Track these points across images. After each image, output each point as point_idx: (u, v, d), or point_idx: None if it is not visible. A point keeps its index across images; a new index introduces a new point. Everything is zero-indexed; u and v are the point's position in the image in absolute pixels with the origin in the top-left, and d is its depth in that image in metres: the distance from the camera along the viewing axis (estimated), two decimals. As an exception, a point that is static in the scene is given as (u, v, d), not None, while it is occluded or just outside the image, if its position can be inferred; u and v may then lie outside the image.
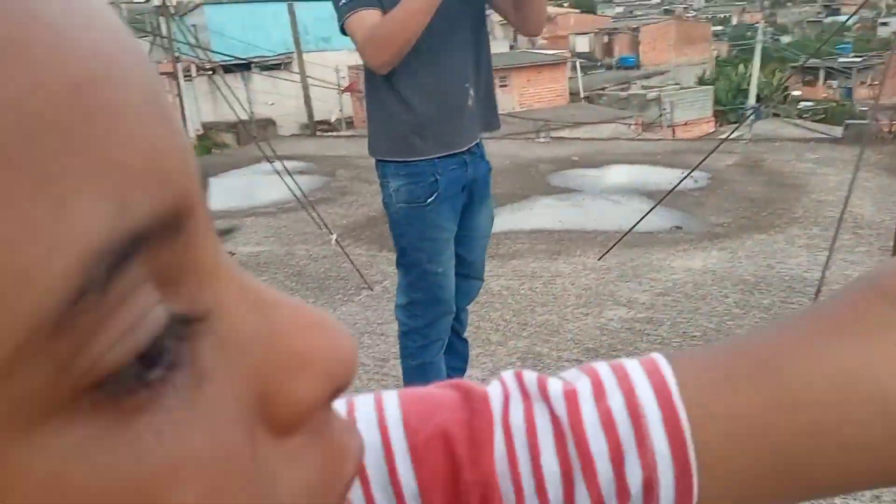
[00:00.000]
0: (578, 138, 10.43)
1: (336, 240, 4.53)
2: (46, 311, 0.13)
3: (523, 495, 0.30)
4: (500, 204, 6.17)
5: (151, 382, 0.15)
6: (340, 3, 1.82)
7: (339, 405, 0.31)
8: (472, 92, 2.02)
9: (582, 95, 28.72)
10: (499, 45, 32.26)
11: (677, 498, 0.30)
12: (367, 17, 1.78)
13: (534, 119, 12.29)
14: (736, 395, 0.30)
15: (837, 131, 9.23)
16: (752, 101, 22.99)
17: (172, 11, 27.90)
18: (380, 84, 1.95)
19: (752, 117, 21.31)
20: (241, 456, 0.17)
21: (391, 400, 0.32)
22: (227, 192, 7.08)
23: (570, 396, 0.31)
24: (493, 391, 0.33)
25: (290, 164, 8.59)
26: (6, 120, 0.13)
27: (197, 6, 27.83)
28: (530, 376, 0.33)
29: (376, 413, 0.31)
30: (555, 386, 0.32)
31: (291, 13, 15.19)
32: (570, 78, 30.09)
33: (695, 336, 3.24)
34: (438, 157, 1.98)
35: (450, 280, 2.14)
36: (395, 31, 1.76)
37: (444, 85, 1.95)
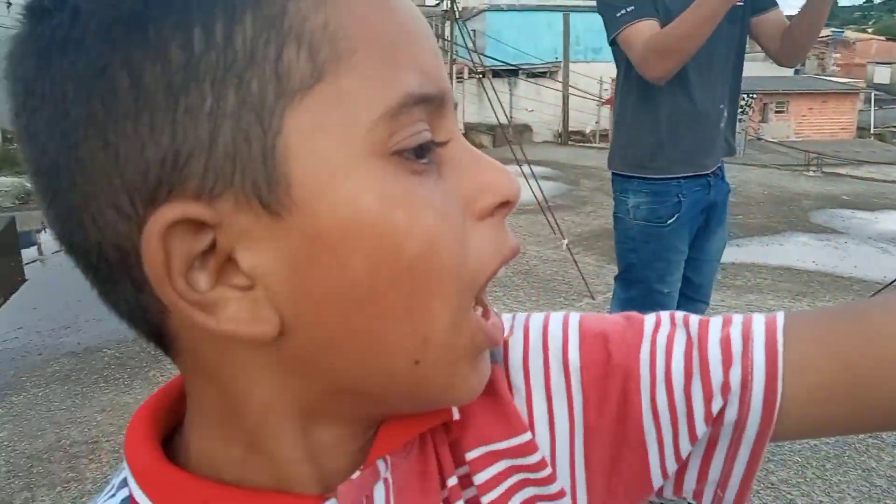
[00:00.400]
0: (855, 177, 9.40)
1: (567, 245, 4.62)
2: (397, 101, 0.29)
3: (655, 381, 0.40)
4: (748, 234, 5.83)
5: (421, 165, 0.31)
6: (619, 14, 1.81)
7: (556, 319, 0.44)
8: (725, 113, 1.99)
9: (872, 131, 25.65)
10: (782, 68, 29.95)
11: (766, 394, 0.38)
12: (647, 28, 1.78)
13: (807, 151, 11.29)
14: (825, 326, 0.40)
15: None
16: None
17: (457, 16, 29.68)
18: (634, 97, 1.96)
19: None
20: (455, 215, 0.32)
21: (575, 314, 0.44)
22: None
23: (703, 324, 0.41)
24: (649, 318, 0.43)
25: (537, 170, 8.85)
26: (389, 29, 0.30)
27: (480, 12, 29.39)
28: (681, 313, 0.43)
29: (563, 317, 0.44)
30: (695, 318, 0.42)
31: (565, 23, 15.44)
32: (860, 111, 27.06)
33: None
34: (684, 177, 1.96)
35: (673, 301, 2.09)
36: (681, 41, 1.73)
37: (702, 104, 1.92)
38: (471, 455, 0.39)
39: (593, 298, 4.12)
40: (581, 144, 14.07)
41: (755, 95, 24.19)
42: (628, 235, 2.03)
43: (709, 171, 1.98)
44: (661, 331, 0.41)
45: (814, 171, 9.31)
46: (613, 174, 2.07)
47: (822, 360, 0.38)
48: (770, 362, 0.38)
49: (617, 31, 1.82)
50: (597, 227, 5.95)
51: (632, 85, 1.94)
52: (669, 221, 1.96)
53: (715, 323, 0.41)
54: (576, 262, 4.38)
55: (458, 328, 0.32)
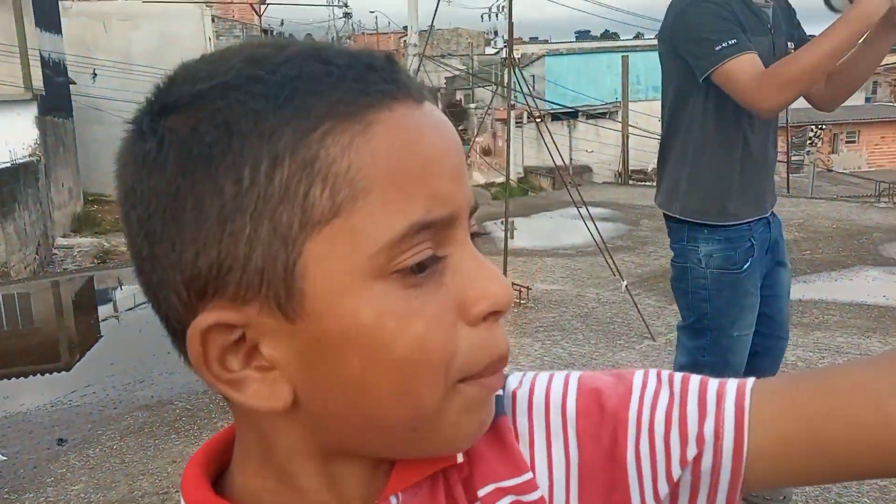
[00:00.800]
0: (930, 207, 9.01)
1: (626, 286, 4.60)
2: (401, 233, 0.35)
3: (640, 430, 0.45)
4: (816, 270, 5.66)
5: (419, 279, 0.37)
6: (718, 48, 1.78)
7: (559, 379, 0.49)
8: (775, 152, 2.03)
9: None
10: (852, 97, 29.03)
11: (735, 445, 0.43)
12: (751, 61, 1.77)
13: (879, 181, 10.91)
14: (790, 385, 0.46)
15: None
16: None
17: (516, 63, 30.01)
18: (697, 141, 1.93)
19: None
20: (448, 320, 0.38)
21: (576, 373, 0.50)
22: (534, 232, 7.52)
23: (685, 382, 0.47)
24: (638, 375, 0.48)
25: (596, 211, 8.81)
26: (407, 165, 0.36)
27: (539, 57, 29.74)
28: (666, 372, 0.49)
29: (565, 374, 0.49)
30: (678, 376, 0.48)
31: (624, 63, 15.59)
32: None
33: None
34: (753, 221, 1.97)
35: (746, 344, 2.07)
36: (806, 72, 1.71)
37: (760, 145, 1.95)
38: (482, 492, 0.45)
39: (654, 340, 4.08)
40: (641, 184, 13.94)
41: (824, 126, 23.58)
42: (700, 285, 2.00)
43: (769, 212, 2.02)
44: (649, 387, 0.47)
45: (885, 203, 8.96)
46: (676, 222, 2.02)
47: (785, 414, 0.44)
48: (739, 416, 0.44)
49: (717, 65, 1.79)
50: (657, 267, 5.88)
51: (707, 129, 1.93)
52: (745, 267, 1.97)
53: (695, 381, 0.47)
54: (636, 303, 4.35)
55: (449, 402, 0.39)
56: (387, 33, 52.08)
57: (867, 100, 31.63)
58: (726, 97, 1.84)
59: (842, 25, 1.69)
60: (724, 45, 1.78)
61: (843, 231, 6.99)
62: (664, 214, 2.08)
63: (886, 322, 4.36)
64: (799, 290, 5.12)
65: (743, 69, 1.76)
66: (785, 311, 2.18)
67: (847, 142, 24.23)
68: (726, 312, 1.99)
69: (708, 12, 1.81)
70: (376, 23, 58.36)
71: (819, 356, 3.81)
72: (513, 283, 4.97)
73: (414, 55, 15.13)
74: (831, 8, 1.80)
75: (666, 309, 4.70)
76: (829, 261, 5.90)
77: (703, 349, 2.05)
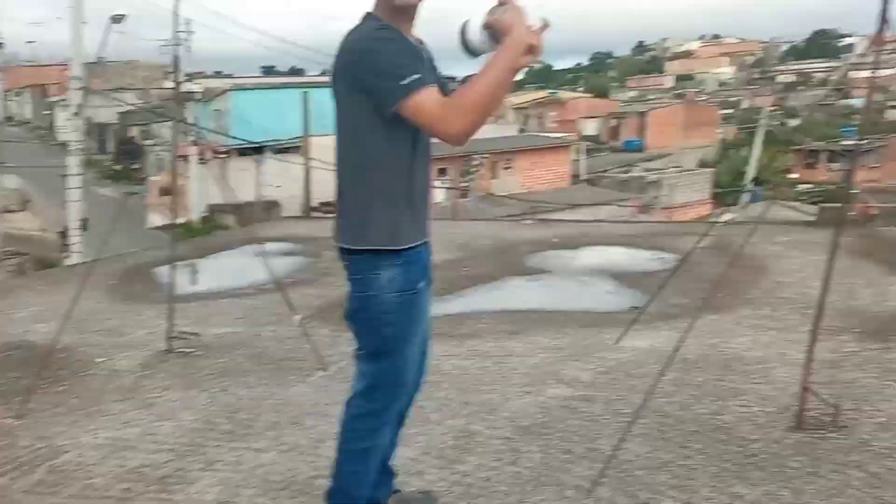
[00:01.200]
0: (562, 220, 10.65)
1: (300, 320, 4.69)
2: None
3: None
4: (473, 284, 6.34)
5: None
6: (403, 82, 1.88)
7: None
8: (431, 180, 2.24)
9: (583, 177, 29.26)
10: (508, 128, 33.14)
11: None
12: (436, 93, 1.92)
13: (527, 201, 12.61)
14: None
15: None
16: (747, 182, 23.40)
17: (199, 98, 28.61)
18: (376, 173, 2.03)
19: (746, 199, 21.67)
20: None
21: None
22: (216, 273, 7.31)
23: None
24: None
25: (279, 246, 8.87)
26: None
27: (223, 92, 28.92)
28: None
29: None
30: None
31: (306, 101, 15.97)
32: (575, 160, 30.74)
33: (624, 413, 3.32)
34: (421, 244, 2.15)
35: (417, 361, 2.26)
36: (483, 96, 1.88)
37: (424, 174, 2.13)
38: None
39: (325, 370, 4.21)
40: (328, 216, 14.31)
41: (486, 155, 26.56)
42: (383, 310, 2.08)
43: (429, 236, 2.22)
44: None
45: (530, 220, 10.40)
46: (359, 254, 2.07)
47: None
48: None
49: (404, 97, 1.89)
50: (335, 297, 6.08)
51: (385, 160, 2.03)
52: (420, 286, 2.13)
53: None
54: (308, 335, 4.46)
55: None
56: (48, 65, 46.81)
57: (521, 130, 36.28)
58: (400, 132, 1.99)
59: (494, 70, 1.90)
60: (410, 78, 1.89)
61: (495, 248, 7.94)
62: (342, 249, 2.11)
63: (526, 324, 5.05)
64: (458, 305, 5.71)
65: (430, 100, 1.89)
66: (430, 326, 2.37)
67: (505, 167, 27.46)
68: (407, 332, 2.13)
69: (393, 49, 1.93)
70: (35, 54, 52.36)
71: (471, 362, 4.27)
72: (180, 332, 4.78)
73: (77, 89, 13.82)
74: (471, 52, 2.00)
75: (340, 336, 4.88)
76: (483, 275, 6.65)
77: (382, 372, 2.17)
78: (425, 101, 1.90)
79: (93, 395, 3.99)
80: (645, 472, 2.78)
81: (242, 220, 11.24)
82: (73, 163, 13.88)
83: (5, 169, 18.82)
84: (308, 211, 11.49)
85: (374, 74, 1.93)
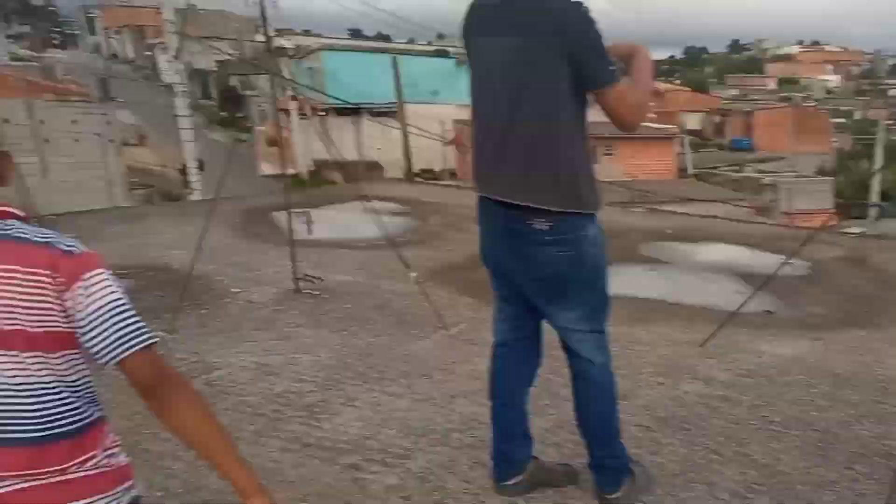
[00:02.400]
0: (673, 212, 10.25)
1: (415, 278, 4.63)
2: None
3: None
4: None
5: None
6: (612, 68, 1.99)
7: None
8: None
9: (690, 171, 28.25)
10: (601, 113, 32.24)
11: None
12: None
13: (636, 189, 12.21)
14: None
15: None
16: (874, 196, 22.02)
17: (291, 54, 29.08)
18: (578, 140, 2.05)
19: (874, 213, 20.46)
20: None
21: None
22: (326, 223, 7.35)
23: None
24: None
25: (387, 205, 8.87)
26: None
27: (314, 51, 29.27)
28: None
29: None
30: None
31: (395, 66, 15.84)
32: (681, 153, 29.71)
33: (773, 421, 3.10)
34: None
35: None
36: (648, 99, 2.13)
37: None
38: None
39: (447, 330, 4.13)
40: (431, 182, 14.29)
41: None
42: (597, 265, 2.17)
43: None
44: None
45: (641, 209, 10.05)
46: (570, 215, 2.05)
47: None
48: None
49: (614, 82, 1.98)
50: (446, 261, 6.02)
51: (584, 128, 2.07)
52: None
53: None
54: (427, 294, 4.39)
55: None
56: (143, 7, 47.94)
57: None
58: (585, 105, 2.04)
59: (647, 74, 2.11)
60: (615, 66, 1.99)
61: (608, 232, 7.69)
62: (549, 211, 2.03)
63: (648, 313, 4.83)
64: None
65: (629, 91, 2.01)
66: None
67: (605, 154, 26.77)
68: (606, 285, 2.22)
69: (601, 33, 1.97)
70: (127, -8, 53.32)
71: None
72: (305, 274, 4.82)
73: (173, 33, 14.05)
74: None
75: (458, 300, 4.82)
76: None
77: (605, 327, 2.28)
78: (627, 91, 2.00)
79: (234, 321, 4.19)
80: (808, 488, 2.56)
81: (347, 178, 11.29)
82: (182, 104, 14.18)
83: (119, 104, 19.66)
84: (411, 176, 11.34)
85: (593, 51, 1.95)
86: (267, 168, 29.56)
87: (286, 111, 27.37)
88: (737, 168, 30.66)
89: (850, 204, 25.32)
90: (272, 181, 14.70)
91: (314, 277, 4.81)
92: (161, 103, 23.98)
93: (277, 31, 28.35)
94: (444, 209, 8.46)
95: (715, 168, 29.98)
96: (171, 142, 26.77)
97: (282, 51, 27.06)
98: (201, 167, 14.14)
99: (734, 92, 60.62)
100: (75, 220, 7.34)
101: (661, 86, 49.03)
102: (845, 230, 11.82)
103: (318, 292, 4.73)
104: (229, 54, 29.85)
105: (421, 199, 9.49)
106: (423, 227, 7.68)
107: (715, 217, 9.83)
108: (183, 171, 13.76)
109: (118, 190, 16.58)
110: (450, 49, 34.01)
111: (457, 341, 3.94)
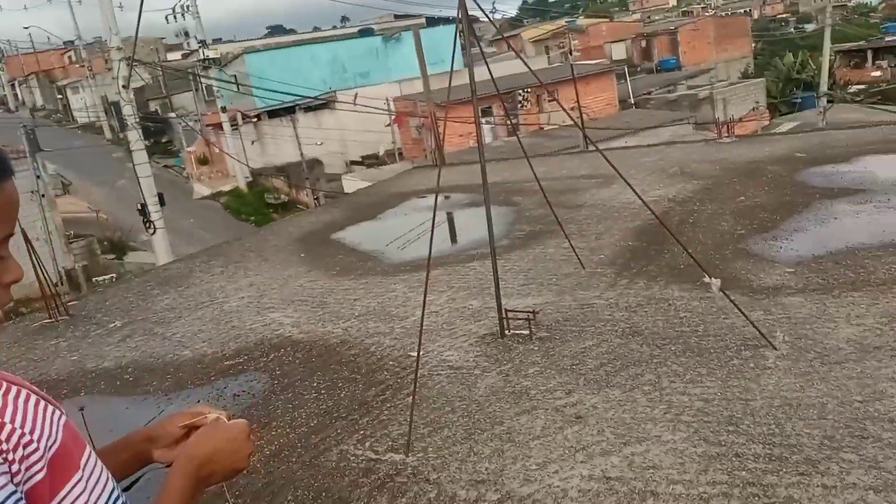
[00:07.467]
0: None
1: (718, 287, 3.53)
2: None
3: None
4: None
5: None
6: None
7: None
8: None
9: (631, 101, 27.68)
10: (535, 62, 31.27)
11: None
12: None
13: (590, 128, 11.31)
14: None
15: None
16: (824, 88, 21.90)
17: (216, 63, 27.10)
18: None
19: (826, 104, 20.53)
20: None
21: None
22: (385, 236, 6.10)
23: None
24: None
25: (458, 197, 7.65)
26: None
27: (236, 56, 27.21)
28: None
29: None
30: None
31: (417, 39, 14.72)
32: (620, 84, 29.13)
33: None
34: None
35: None
36: None
37: None
38: None
39: (776, 349, 3.07)
40: (459, 164, 12.75)
41: (528, 90, 24.98)
42: None
43: None
44: None
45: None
46: None
47: None
48: None
49: None
50: (603, 244, 4.91)
51: None
52: None
53: None
54: (737, 306, 3.29)
55: None
56: (45, 51, 45.03)
57: (549, 63, 34.37)
58: None
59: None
60: None
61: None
62: None
63: None
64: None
65: None
66: None
67: (550, 100, 25.97)
68: None
69: None
70: (31, 40, 50.59)
71: None
72: (507, 310, 3.57)
73: (120, 60, 12.42)
74: None
75: (756, 303, 3.72)
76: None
77: None
78: None
79: (454, 413, 2.88)
80: None
81: (290, 182, 9.94)
82: (134, 138, 12.50)
83: (45, 154, 17.50)
84: (441, 160, 9.83)
85: None
86: (202, 189, 27.48)
87: (218, 125, 25.38)
88: (671, 88, 30.32)
89: (779, 102, 25.65)
90: (210, 202, 13.10)
91: (526, 312, 3.60)
92: (78, 145, 21.69)
93: (200, 41, 26.23)
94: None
95: (649, 93, 29.53)
96: (92, 184, 24.51)
97: (209, 62, 25.33)
98: (162, 202, 12.56)
99: (636, 16, 60.68)
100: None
101: (583, 22, 48.59)
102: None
103: (526, 332, 3.56)
104: (144, 80, 27.54)
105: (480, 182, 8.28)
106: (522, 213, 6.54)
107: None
108: (142, 210, 12.05)
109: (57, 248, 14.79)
110: (373, 27, 32.37)
111: (799, 362, 2.86)
